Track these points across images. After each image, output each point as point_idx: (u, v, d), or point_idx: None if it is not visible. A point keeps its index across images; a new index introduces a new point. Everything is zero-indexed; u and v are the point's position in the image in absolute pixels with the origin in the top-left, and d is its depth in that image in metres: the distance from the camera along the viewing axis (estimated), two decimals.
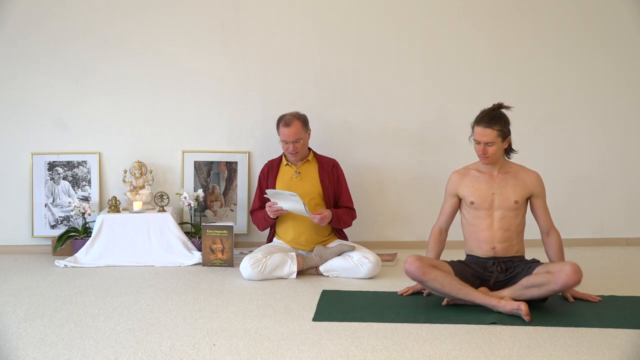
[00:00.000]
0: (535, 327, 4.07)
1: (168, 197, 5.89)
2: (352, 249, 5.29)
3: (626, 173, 6.32)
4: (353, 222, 5.58)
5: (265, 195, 5.26)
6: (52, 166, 6.04)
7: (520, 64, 6.20)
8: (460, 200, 4.67)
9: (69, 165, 6.06)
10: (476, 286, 4.41)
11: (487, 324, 4.10)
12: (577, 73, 6.25)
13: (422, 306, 4.47)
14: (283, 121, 5.39)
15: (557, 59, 6.21)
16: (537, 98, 6.23)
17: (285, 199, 5.11)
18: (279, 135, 5.41)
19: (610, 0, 6.21)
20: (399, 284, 5.03)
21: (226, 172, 6.15)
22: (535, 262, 4.46)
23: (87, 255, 5.60)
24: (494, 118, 4.44)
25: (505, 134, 4.45)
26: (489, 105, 6.09)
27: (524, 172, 4.58)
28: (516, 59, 6.20)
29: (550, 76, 6.24)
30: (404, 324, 4.14)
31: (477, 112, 6.12)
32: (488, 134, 4.43)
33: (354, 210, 5.59)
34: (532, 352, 3.70)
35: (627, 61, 6.27)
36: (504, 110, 4.50)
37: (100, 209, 6.03)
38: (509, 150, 4.57)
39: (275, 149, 5.81)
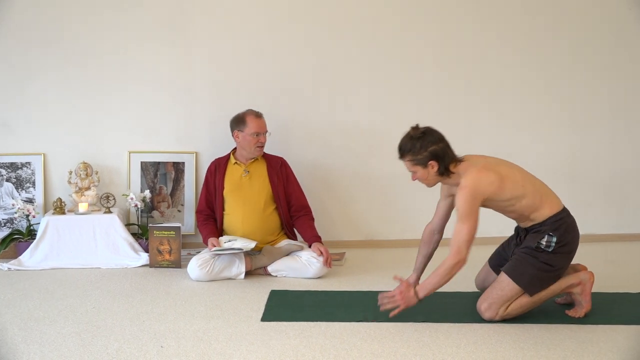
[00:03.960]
0: (482, 324, 4.12)
1: (114, 198, 5.83)
2: (301, 248, 5.30)
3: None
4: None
5: (213, 251, 5.15)
6: None
7: (468, 64, 6.27)
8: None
9: (13, 166, 5.96)
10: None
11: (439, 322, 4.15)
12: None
13: (371, 305, 4.48)
14: (254, 113, 5.40)
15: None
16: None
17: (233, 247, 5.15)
18: (242, 130, 5.37)
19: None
20: (347, 283, 5.06)
21: (173, 172, 6.11)
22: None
23: (31, 257, 5.51)
24: (401, 149, 4.23)
25: (422, 160, 4.16)
26: (434, 107, 6.23)
27: (460, 185, 4.19)
28: (462, 60, 6.26)
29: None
30: (353, 323, 4.17)
31: (424, 113, 6.25)
32: (405, 164, 4.27)
33: (310, 211, 5.62)
34: (478, 349, 3.74)
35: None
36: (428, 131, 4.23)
37: (45, 211, 5.94)
38: (444, 171, 4.20)
39: (223, 149, 5.79)
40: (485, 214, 4.24)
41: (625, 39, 6.36)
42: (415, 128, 4.23)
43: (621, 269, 5.46)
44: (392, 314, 4.16)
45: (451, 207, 4.50)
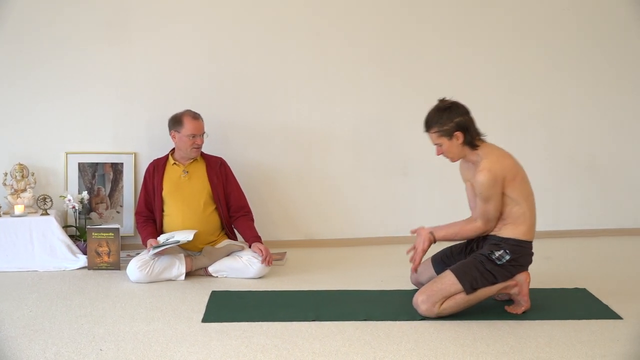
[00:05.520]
0: (422, 322, 4.16)
1: (51, 200, 5.73)
2: (241, 248, 5.29)
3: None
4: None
5: (151, 253, 5.08)
6: None
7: (406, 62, 6.31)
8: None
9: None
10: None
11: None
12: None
13: (312, 304, 4.50)
14: (191, 115, 5.35)
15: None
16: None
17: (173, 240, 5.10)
18: (179, 130, 5.32)
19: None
20: (289, 282, 5.06)
21: (112, 173, 6.04)
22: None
23: None
24: (428, 121, 4.30)
25: (448, 131, 4.24)
26: (374, 106, 6.27)
27: (479, 167, 4.27)
28: (400, 57, 6.30)
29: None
30: (294, 322, 4.17)
31: (361, 113, 6.27)
32: (430, 137, 4.33)
33: (250, 211, 5.59)
34: (419, 347, 3.78)
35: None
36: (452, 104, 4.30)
37: None
38: (470, 142, 4.28)
39: (162, 150, 5.74)
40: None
41: (556, 38, 6.49)
42: (443, 100, 4.33)
43: (557, 265, 5.56)
44: (413, 267, 4.54)
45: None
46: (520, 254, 4.28)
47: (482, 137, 4.35)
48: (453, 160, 4.42)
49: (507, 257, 4.24)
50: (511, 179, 4.23)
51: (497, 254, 4.24)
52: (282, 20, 6.13)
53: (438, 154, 4.39)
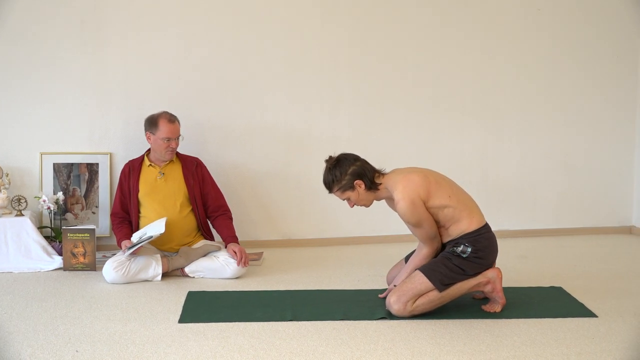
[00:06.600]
0: (398, 321, 4.17)
1: (26, 201, 5.69)
2: (218, 249, 5.28)
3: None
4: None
5: (126, 254, 5.06)
6: None
7: (383, 64, 6.32)
8: None
9: None
10: None
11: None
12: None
13: (289, 304, 4.50)
14: (167, 118, 5.31)
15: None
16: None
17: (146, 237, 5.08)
18: (154, 132, 5.30)
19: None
20: (266, 282, 5.05)
21: (87, 174, 6.00)
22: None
23: None
24: (326, 184, 4.42)
25: (348, 184, 4.36)
26: (350, 109, 6.27)
27: (394, 200, 4.32)
28: (376, 60, 6.31)
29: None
30: (271, 322, 4.16)
31: (338, 113, 6.28)
32: (336, 196, 4.46)
33: (228, 210, 5.58)
34: (395, 346, 3.78)
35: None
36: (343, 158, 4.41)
37: None
38: (370, 185, 4.37)
39: (137, 150, 5.71)
40: None
41: (531, 38, 6.52)
42: (329, 159, 4.43)
43: (533, 264, 5.60)
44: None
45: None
46: (481, 241, 4.32)
47: (380, 172, 4.44)
48: (368, 206, 4.53)
49: (470, 249, 4.28)
50: (426, 193, 4.29)
51: (459, 249, 4.29)
52: (259, 21, 6.12)
53: (352, 207, 4.53)
